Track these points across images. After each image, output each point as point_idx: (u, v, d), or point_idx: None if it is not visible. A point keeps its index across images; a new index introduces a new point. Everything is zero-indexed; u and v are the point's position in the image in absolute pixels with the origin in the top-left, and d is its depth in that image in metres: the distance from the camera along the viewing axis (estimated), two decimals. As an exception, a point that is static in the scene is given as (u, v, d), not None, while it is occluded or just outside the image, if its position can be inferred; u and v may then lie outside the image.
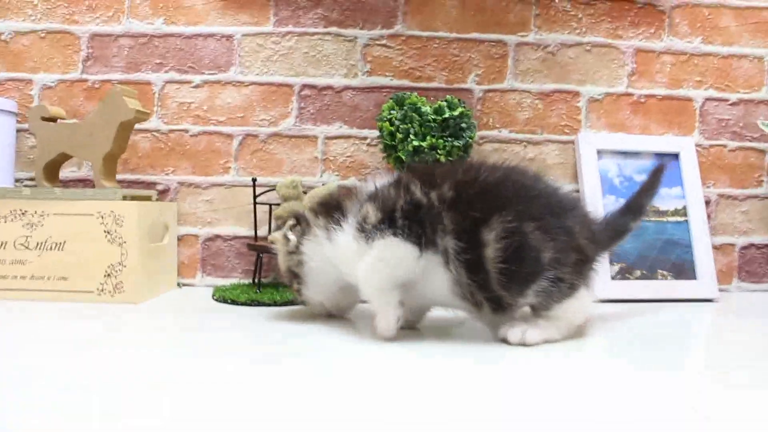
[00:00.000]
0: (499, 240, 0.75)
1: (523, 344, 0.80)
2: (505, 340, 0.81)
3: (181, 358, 0.71)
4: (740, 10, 1.33)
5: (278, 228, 0.97)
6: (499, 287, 0.77)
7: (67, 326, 0.87)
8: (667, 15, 1.31)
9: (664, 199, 1.24)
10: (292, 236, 0.92)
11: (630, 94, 1.30)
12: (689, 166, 1.26)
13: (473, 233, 0.76)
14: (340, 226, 0.83)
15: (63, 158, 1.18)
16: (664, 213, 1.24)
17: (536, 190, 0.81)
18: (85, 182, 1.28)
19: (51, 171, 1.18)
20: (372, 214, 0.79)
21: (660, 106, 1.31)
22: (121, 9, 1.28)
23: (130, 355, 0.71)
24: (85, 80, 1.28)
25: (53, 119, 1.17)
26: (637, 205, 0.94)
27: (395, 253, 0.78)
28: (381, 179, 0.85)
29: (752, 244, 1.33)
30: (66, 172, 1.26)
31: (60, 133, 1.15)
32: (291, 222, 0.94)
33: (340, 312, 0.96)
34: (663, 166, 0.97)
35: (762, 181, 1.33)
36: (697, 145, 1.31)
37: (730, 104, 1.32)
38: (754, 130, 1.33)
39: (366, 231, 0.79)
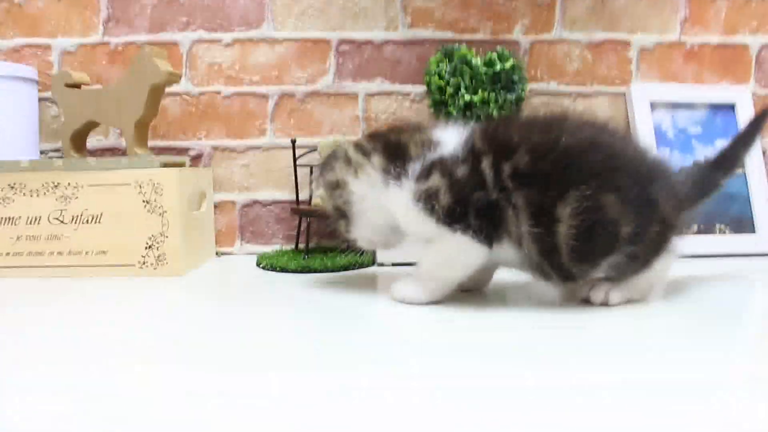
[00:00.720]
0: (575, 216, 0.69)
1: (606, 305, 0.76)
2: (587, 300, 0.77)
3: (244, 332, 0.66)
4: (797, -51, 1.26)
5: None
6: (570, 262, 0.72)
7: (112, 303, 0.82)
8: (721, -43, 1.24)
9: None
10: (319, 192, 0.86)
11: (683, 43, 1.24)
12: (745, 117, 1.21)
13: (548, 210, 0.70)
14: (400, 180, 0.75)
15: (90, 126, 1.12)
16: (723, 165, 1.19)
17: (623, 156, 0.73)
18: (113, 151, 1.22)
19: (78, 140, 1.12)
20: (442, 194, 0.72)
21: (714, 54, 1.25)
22: (142, -36, 1.20)
23: (192, 332, 0.66)
24: (107, 43, 1.21)
25: (77, 86, 1.10)
26: (731, 157, 0.86)
27: (465, 254, 0.74)
28: (451, 133, 0.78)
29: (807, 196, 1.28)
30: (92, 141, 1.20)
31: (86, 100, 1.09)
32: (314, 185, 0.90)
33: (389, 247, 0.87)
34: (766, 112, 0.90)
35: (818, 129, 1.28)
36: (753, 94, 1.25)
37: (788, 50, 1.27)
38: (810, 77, 1.27)
39: (434, 210, 0.72)
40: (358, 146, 0.81)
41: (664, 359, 0.56)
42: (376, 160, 0.78)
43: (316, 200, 1.07)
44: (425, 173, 0.74)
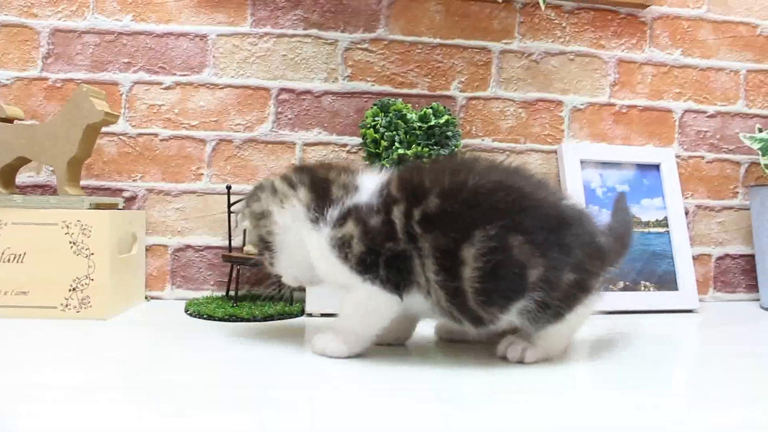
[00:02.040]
0: (479, 257, 0.70)
1: (522, 362, 0.77)
2: (504, 357, 0.78)
3: (159, 377, 0.65)
4: (717, 23, 1.34)
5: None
6: (477, 305, 0.72)
7: (28, 345, 0.80)
8: (649, 26, 1.31)
9: (646, 209, 1.24)
10: (245, 223, 0.85)
11: (612, 104, 1.30)
12: (670, 177, 1.26)
13: (454, 253, 0.71)
14: (318, 223, 0.76)
15: (21, 162, 1.10)
16: (646, 224, 1.23)
17: (534, 198, 0.73)
18: (44, 188, 1.20)
19: (7, 176, 1.09)
20: (355, 242, 0.73)
21: (641, 116, 1.30)
22: (85, 3, 1.20)
23: (104, 376, 0.65)
24: (45, 78, 1.20)
25: (10, 120, 1.09)
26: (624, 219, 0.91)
27: (377, 305, 0.75)
28: (372, 179, 0.79)
29: (728, 255, 1.34)
30: (23, 176, 1.18)
31: (18, 136, 1.07)
32: (240, 216, 0.87)
33: (314, 285, 0.86)
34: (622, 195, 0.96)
35: (737, 192, 1.34)
36: (677, 156, 1.31)
37: (708, 116, 1.33)
38: (730, 142, 1.34)
39: (347, 258, 0.73)
40: (285, 178, 0.82)
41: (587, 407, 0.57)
42: (302, 193, 0.79)
43: (247, 248, 1.07)
44: (341, 219, 0.74)
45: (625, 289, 1.19)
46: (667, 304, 1.19)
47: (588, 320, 0.81)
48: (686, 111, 1.32)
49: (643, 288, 1.20)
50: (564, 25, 1.28)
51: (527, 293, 0.71)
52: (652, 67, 1.31)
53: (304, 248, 0.78)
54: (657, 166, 1.27)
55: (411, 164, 0.89)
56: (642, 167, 1.27)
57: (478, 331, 0.77)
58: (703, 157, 1.33)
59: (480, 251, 0.70)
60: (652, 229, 1.23)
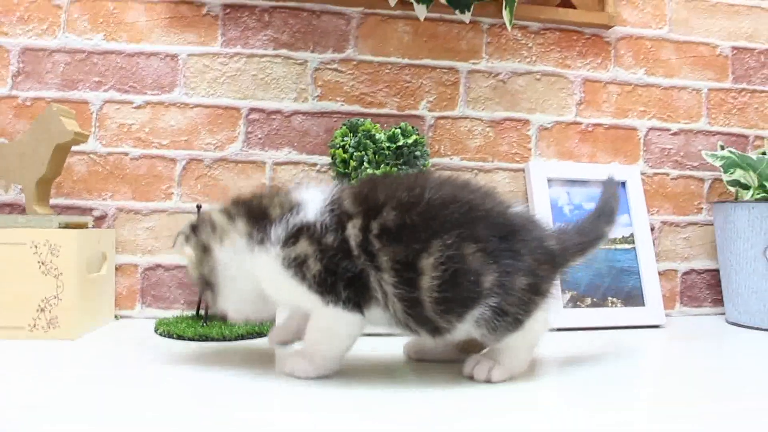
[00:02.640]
0: (437, 266, 0.72)
1: (489, 382, 0.79)
2: (471, 377, 0.80)
3: (126, 397, 0.65)
4: (679, 44, 1.37)
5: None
6: (435, 314, 0.73)
7: (10, 368, 0.80)
8: (613, 46, 1.34)
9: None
10: (188, 250, 0.82)
11: (578, 123, 1.32)
12: (636, 194, 1.29)
13: (412, 264, 0.72)
14: (264, 245, 0.76)
15: (-11, 181, 1.10)
16: (613, 241, 1.25)
17: (483, 209, 0.76)
18: (12, 206, 1.19)
19: (-24, 195, 1.09)
20: (311, 261, 0.73)
21: (607, 135, 1.33)
22: (56, 22, 1.20)
23: (71, 399, 0.66)
24: (15, 97, 1.20)
25: (-21, 139, 1.09)
26: (607, 209, 0.90)
27: (341, 326, 0.76)
28: (314, 194, 0.78)
29: (693, 270, 1.37)
30: (-8, 196, 1.18)
31: (-13, 155, 1.07)
32: (181, 238, 0.84)
33: (261, 316, 0.86)
34: (612, 181, 0.96)
35: (701, 208, 1.37)
36: (642, 174, 1.33)
37: (672, 134, 1.36)
38: (693, 159, 1.37)
39: (305, 278, 0.73)
40: (223, 211, 0.81)
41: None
42: (240, 224, 0.78)
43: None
44: (292, 238, 0.74)
45: (592, 305, 1.21)
46: (635, 320, 1.21)
47: (546, 330, 0.81)
48: (651, 129, 1.35)
49: (610, 304, 1.21)
50: (530, 45, 1.31)
51: (482, 300, 0.73)
52: (617, 86, 1.34)
53: (249, 278, 0.78)
54: (623, 184, 1.29)
55: (360, 179, 0.87)
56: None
57: (435, 341, 0.78)
58: (667, 174, 1.36)
59: (438, 260, 0.71)
60: (618, 246, 1.25)
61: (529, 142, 1.30)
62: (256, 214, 0.78)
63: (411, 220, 0.73)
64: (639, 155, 1.34)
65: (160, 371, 0.81)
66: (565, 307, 1.18)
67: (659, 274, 1.32)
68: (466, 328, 0.76)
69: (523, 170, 1.29)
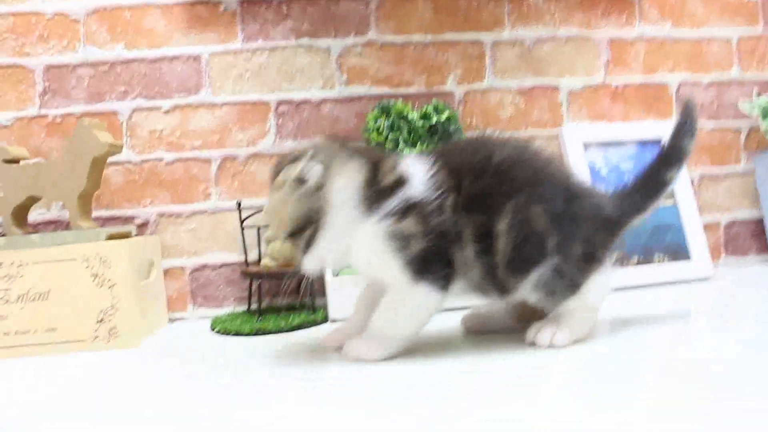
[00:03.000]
0: (510, 229, 0.73)
1: (552, 347, 0.79)
2: (533, 344, 0.80)
3: (200, 398, 0.66)
4: (705, -8, 1.35)
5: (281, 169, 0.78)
6: (506, 275, 0.75)
7: (66, 381, 0.81)
8: (637, 3, 1.32)
9: (653, 185, 1.25)
10: (317, 168, 0.75)
11: (608, 84, 1.31)
12: (672, 150, 1.27)
13: (490, 229, 0.74)
14: (371, 210, 0.74)
15: (31, 201, 1.10)
16: (654, 199, 1.24)
17: (547, 173, 0.77)
18: (56, 223, 1.20)
19: (19, 216, 1.10)
20: (416, 240, 0.73)
21: (638, 93, 1.31)
22: (76, 37, 1.20)
23: (143, 402, 0.66)
24: (45, 116, 1.21)
25: (16, 161, 1.10)
26: (675, 150, 0.84)
27: (429, 304, 0.76)
28: (416, 166, 0.77)
29: (735, 221, 1.35)
30: (34, 214, 1.18)
31: (26, 175, 1.08)
32: (310, 152, 0.76)
33: (332, 268, 0.86)
34: (691, 103, 0.87)
35: (739, 158, 1.36)
36: (677, 129, 1.32)
37: (704, 86, 1.34)
38: (728, 110, 1.35)
39: (402, 254, 0.73)
40: (342, 146, 0.78)
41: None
42: (361, 179, 0.76)
43: (264, 261, 1.08)
44: (402, 213, 0.73)
45: (639, 263, 1.20)
46: (682, 274, 1.20)
47: (607, 293, 0.82)
48: (682, 83, 1.33)
49: (657, 261, 1.21)
50: (553, 10, 1.29)
51: (545, 260, 0.75)
52: (644, 43, 1.32)
53: (348, 235, 0.76)
54: (659, 141, 1.28)
55: (446, 148, 0.84)
56: (644, 143, 1.28)
57: (502, 299, 0.79)
58: (702, 128, 1.34)
59: (510, 223, 0.73)
60: (660, 203, 1.24)
61: (561, 108, 1.29)
62: (374, 176, 0.76)
63: (485, 187, 0.74)
64: (672, 111, 1.33)
65: (225, 368, 0.82)
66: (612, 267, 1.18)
67: (702, 227, 1.30)
68: (527, 290, 0.77)
69: (557, 136, 1.28)
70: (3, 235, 1.08)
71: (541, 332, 0.80)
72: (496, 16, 1.27)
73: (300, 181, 0.74)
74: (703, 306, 1.01)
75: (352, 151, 0.78)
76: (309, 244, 0.76)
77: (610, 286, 0.82)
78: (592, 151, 1.25)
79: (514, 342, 0.83)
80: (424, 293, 0.74)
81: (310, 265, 0.78)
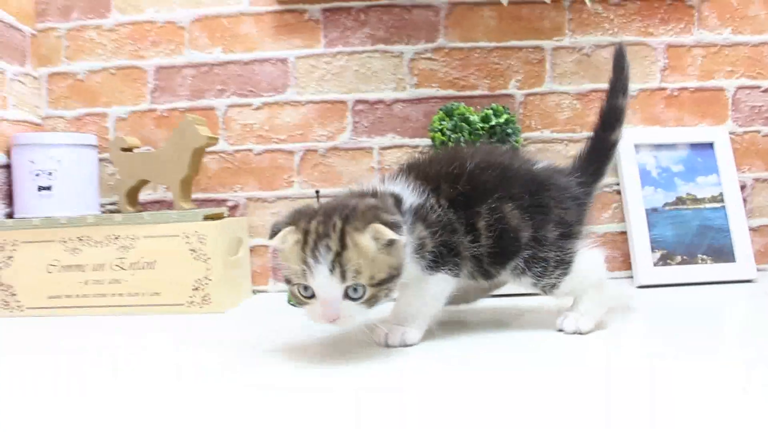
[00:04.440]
0: (488, 228, 0.86)
1: (579, 332, 0.89)
2: (562, 330, 0.90)
3: (276, 357, 0.81)
4: (768, -2, 1.39)
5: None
6: (490, 266, 0.88)
7: (168, 335, 0.99)
8: (696, 9, 1.38)
9: (701, 186, 1.32)
10: (403, 239, 0.78)
11: (663, 89, 1.38)
12: (724, 154, 1.33)
13: (473, 225, 0.86)
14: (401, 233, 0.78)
15: (142, 184, 1.30)
16: (701, 200, 1.31)
17: (513, 170, 0.89)
18: (160, 203, 1.40)
19: (131, 196, 1.30)
20: (428, 241, 0.83)
21: (693, 98, 1.38)
22: (181, 42, 1.39)
23: (234, 358, 0.83)
24: (154, 110, 1.40)
25: (130, 149, 1.29)
26: (612, 111, 0.99)
27: (447, 287, 0.88)
28: (394, 184, 0.87)
29: (788, 223, 1.40)
30: (142, 195, 1.38)
31: (139, 162, 1.27)
32: (400, 229, 0.77)
33: None
34: (621, 62, 1.01)
35: (796, 162, 1.40)
36: (731, 133, 1.37)
37: (762, 91, 1.39)
38: (785, 114, 1.39)
39: (424, 258, 0.84)
40: (386, 209, 0.81)
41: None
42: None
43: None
44: (411, 225, 0.84)
45: (682, 262, 1.28)
46: (725, 275, 1.27)
47: (603, 270, 0.92)
48: (739, 88, 1.38)
49: (700, 261, 1.28)
50: (612, 17, 1.37)
51: (524, 250, 0.87)
52: (702, 49, 1.38)
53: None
54: (710, 145, 1.34)
55: (415, 162, 0.94)
56: (695, 146, 1.34)
57: (488, 283, 0.94)
58: (758, 132, 1.39)
59: (487, 222, 0.86)
60: (707, 205, 1.31)
61: (616, 111, 1.37)
62: (394, 208, 0.83)
63: (463, 191, 0.86)
64: (727, 115, 1.38)
65: (298, 335, 0.97)
66: (655, 265, 1.26)
67: (753, 230, 1.36)
68: (511, 277, 0.91)
69: (610, 138, 1.37)
70: (118, 212, 1.28)
71: (566, 320, 0.91)
72: (557, 23, 1.37)
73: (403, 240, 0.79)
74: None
75: (388, 207, 0.82)
76: (388, 292, 0.80)
77: (603, 263, 0.92)
78: (643, 154, 1.33)
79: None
80: (441, 280, 0.86)
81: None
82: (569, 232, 0.89)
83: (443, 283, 0.88)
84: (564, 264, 0.89)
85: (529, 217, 0.87)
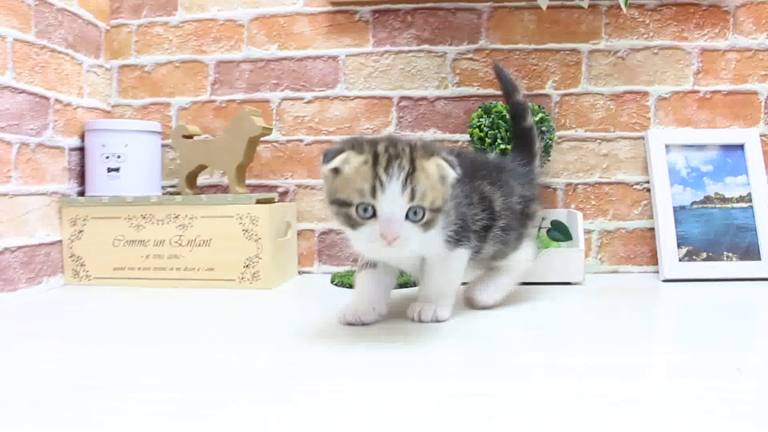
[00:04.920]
0: (480, 200, 0.97)
1: (485, 305, 1.04)
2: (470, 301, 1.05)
3: (320, 331, 0.91)
4: (804, 5, 1.42)
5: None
6: (479, 239, 0.98)
7: (223, 307, 1.09)
8: (732, 14, 1.42)
9: (730, 187, 1.37)
10: (456, 172, 0.85)
11: (696, 91, 1.43)
12: (754, 155, 1.38)
13: (471, 203, 0.96)
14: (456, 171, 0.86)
15: (200, 169, 1.41)
16: (729, 200, 1.36)
17: (479, 158, 1.07)
18: (216, 187, 1.51)
19: (191, 180, 1.41)
20: (452, 211, 0.91)
21: (725, 100, 1.43)
22: (241, 39, 1.50)
23: (273, 328, 0.93)
24: (214, 101, 1.51)
25: (191, 136, 1.40)
26: (516, 106, 1.19)
27: (465, 261, 0.97)
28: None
29: (818, 225, 1.44)
30: (200, 179, 1.49)
31: (198, 149, 1.38)
32: (451, 159, 0.85)
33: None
34: (499, 70, 1.21)
35: (826, 165, 1.43)
36: (763, 135, 1.41)
37: (794, 95, 1.43)
38: (817, 119, 1.43)
39: (447, 231, 0.92)
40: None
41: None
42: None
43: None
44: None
45: (708, 259, 1.33)
46: (750, 273, 1.31)
47: (533, 258, 1.10)
48: (772, 91, 1.43)
49: (726, 258, 1.33)
50: (647, 22, 1.43)
51: (498, 220, 0.99)
52: (736, 53, 1.43)
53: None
54: (741, 146, 1.39)
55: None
56: (725, 147, 1.39)
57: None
58: (791, 134, 1.43)
59: (474, 200, 0.97)
60: (735, 205, 1.36)
61: (648, 112, 1.43)
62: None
63: (470, 171, 0.97)
64: (759, 118, 1.42)
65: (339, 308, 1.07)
66: (681, 260, 1.32)
67: (782, 228, 1.40)
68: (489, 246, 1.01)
69: (642, 138, 1.43)
70: (179, 194, 1.40)
71: (479, 292, 1.05)
72: (594, 27, 1.43)
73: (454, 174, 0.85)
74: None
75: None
76: (434, 223, 0.84)
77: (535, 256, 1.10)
78: (674, 153, 1.39)
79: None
80: (461, 255, 0.95)
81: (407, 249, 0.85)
82: (528, 210, 1.07)
83: (463, 259, 0.96)
84: (520, 238, 1.04)
85: (498, 189, 0.99)
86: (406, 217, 0.79)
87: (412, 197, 0.79)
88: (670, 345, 0.84)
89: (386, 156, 0.79)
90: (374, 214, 0.79)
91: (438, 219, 0.84)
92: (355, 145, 0.82)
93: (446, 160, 0.83)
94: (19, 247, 1.22)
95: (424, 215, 0.81)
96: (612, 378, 0.67)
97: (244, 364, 0.74)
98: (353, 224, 0.81)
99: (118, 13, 1.54)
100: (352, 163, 0.81)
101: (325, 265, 1.49)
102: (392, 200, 0.78)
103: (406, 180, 0.78)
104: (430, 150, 0.83)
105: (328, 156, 0.82)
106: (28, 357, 0.79)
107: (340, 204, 0.81)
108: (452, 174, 0.83)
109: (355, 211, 0.80)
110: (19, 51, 1.23)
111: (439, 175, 0.83)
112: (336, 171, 0.82)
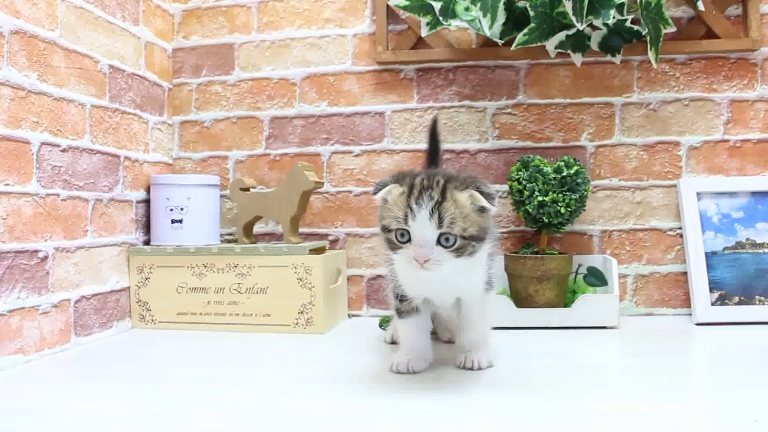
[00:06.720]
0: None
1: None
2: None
3: (370, 373, 1.00)
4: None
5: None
6: None
7: (279, 352, 1.19)
8: (759, 66, 1.49)
9: (761, 232, 1.42)
10: (495, 206, 0.93)
11: (726, 140, 1.49)
12: (785, 202, 1.44)
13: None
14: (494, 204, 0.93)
15: (256, 219, 1.51)
16: (761, 245, 1.42)
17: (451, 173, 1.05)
18: (271, 235, 1.62)
19: (247, 229, 1.52)
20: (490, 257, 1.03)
21: (755, 148, 1.49)
22: (293, 96, 1.61)
23: (331, 370, 1.01)
24: (268, 154, 1.62)
25: (248, 189, 1.51)
26: (434, 146, 1.29)
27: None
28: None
29: None
30: (256, 227, 1.60)
31: (255, 200, 1.49)
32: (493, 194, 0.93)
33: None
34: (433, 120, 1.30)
35: None
36: (792, 182, 1.47)
37: (823, 143, 1.48)
38: None
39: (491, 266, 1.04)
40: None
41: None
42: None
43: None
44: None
45: (740, 303, 1.38)
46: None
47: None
48: (800, 140, 1.49)
49: (758, 302, 1.38)
50: (678, 75, 1.50)
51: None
52: (765, 103, 1.49)
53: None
54: (769, 193, 1.45)
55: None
56: (756, 194, 1.45)
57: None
58: (819, 180, 1.48)
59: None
60: (767, 250, 1.41)
61: (680, 161, 1.50)
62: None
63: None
64: (788, 166, 1.48)
65: (388, 352, 1.15)
66: (713, 304, 1.38)
67: (814, 271, 1.45)
68: None
69: (675, 186, 1.49)
70: (236, 242, 1.50)
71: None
72: (626, 81, 1.51)
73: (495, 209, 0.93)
74: None
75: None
76: (473, 251, 0.92)
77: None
78: (706, 201, 1.46)
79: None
80: (493, 297, 1.05)
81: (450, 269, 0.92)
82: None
83: (493, 302, 1.06)
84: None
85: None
86: (439, 242, 0.88)
87: (440, 224, 0.88)
88: (702, 390, 0.91)
89: (419, 188, 0.90)
90: (410, 239, 0.90)
91: (473, 247, 0.91)
92: (399, 178, 0.95)
93: (482, 193, 0.90)
94: (94, 295, 1.34)
95: (455, 242, 0.89)
96: (647, 424, 0.74)
97: (301, 410, 0.83)
98: (394, 247, 0.92)
99: (180, 72, 1.66)
100: (393, 194, 0.93)
101: (373, 308, 1.57)
102: (422, 226, 0.88)
103: (433, 209, 0.88)
104: (466, 182, 0.92)
105: (377, 188, 0.95)
106: (101, 396, 0.91)
107: (384, 230, 0.94)
108: (487, 205, 0.91)
109: (394, 236, 0.91)
110: (95, 115, 1.35)
111: (474, 205, 0.91)
112: (384, 201, 0.95)
